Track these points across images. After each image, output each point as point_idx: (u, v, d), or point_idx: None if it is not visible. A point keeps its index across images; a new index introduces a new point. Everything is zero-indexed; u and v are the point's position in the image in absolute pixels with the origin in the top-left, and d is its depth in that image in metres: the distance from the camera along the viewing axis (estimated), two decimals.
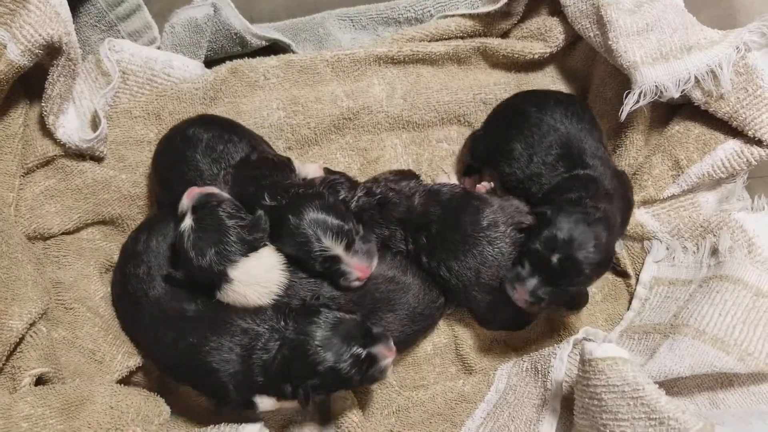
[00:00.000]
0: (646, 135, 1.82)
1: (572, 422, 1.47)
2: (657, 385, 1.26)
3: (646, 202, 1.79)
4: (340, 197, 1.62)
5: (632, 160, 1.81)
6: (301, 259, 1.52)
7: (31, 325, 1.43)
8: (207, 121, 1.73)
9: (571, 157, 1.61)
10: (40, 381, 1.43)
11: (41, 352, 1.43)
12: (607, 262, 1.51)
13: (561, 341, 1.68)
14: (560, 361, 1.60)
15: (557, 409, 1.56)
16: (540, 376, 1.61)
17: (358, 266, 1.51)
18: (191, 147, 1.64)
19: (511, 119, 1.71)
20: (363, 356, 1.38)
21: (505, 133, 1.69)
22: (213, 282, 1.46)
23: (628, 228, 1.77)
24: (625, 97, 1.67)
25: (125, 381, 1.56)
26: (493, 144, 1.73)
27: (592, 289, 1.79)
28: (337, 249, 1.48)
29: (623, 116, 1.67)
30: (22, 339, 1.42)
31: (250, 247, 1.46)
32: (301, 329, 1.39)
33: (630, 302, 1.78)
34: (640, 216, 1.79)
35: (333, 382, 1.38)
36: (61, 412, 1.32)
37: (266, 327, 1.43)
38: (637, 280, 1.78)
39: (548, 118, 1.64)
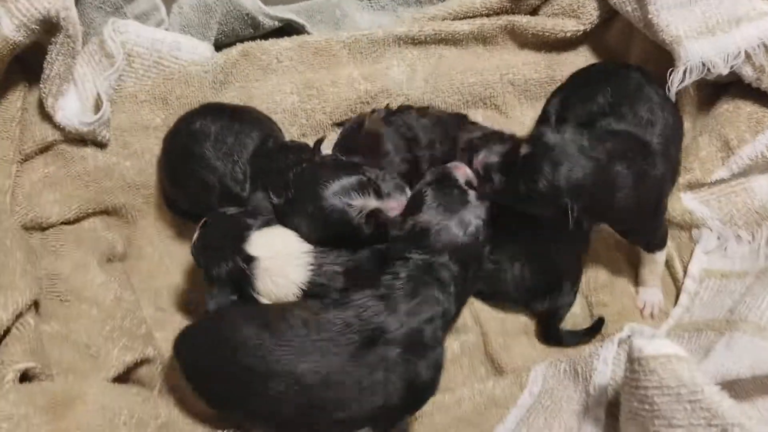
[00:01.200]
0: (693, 116, 1.70)
1: (617, 430, 1.33)
2: (719, 387, 1.12)
3: (693, 187, 1.67)
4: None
5: None
6: (344, 234, 1.45)
7: (18, 316, 1.33)
8: (213, 110, 1.65)
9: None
10: (25, 378, 1.33)
11: (27, 345, 1.33)
12: (597, 205, 1.38)
13: (603, 339, 1.56)
14: (604, 363, 1.45)
15: (601, 417, 1.41)
16: (581, 379, 1.48)
17: (397, 206, 1.44)
18: (199, 142, 1.56)
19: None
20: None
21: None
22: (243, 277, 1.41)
23: (674, 215, 1.65)
24: (669, 75, 1.55)
25: (123, 378, 1.46)
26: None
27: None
28: (371, 202, 1.43)
29: (672, 95, 1.56)
30: (7, 331, 1.32)
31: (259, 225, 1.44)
32: None
33: (677, 297, 1.65)
34: (688, 202, 1.66)
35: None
36: (46, 412, 1.21)
37: None
38: (685, 272, 1.65)
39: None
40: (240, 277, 1.42)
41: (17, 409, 1.19)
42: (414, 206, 1.42)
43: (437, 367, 1.34)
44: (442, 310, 1.35)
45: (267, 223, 1.48)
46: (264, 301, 1.43)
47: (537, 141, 1.37)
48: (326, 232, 1.46)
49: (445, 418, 1.54)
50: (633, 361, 1.22)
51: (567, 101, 1.64)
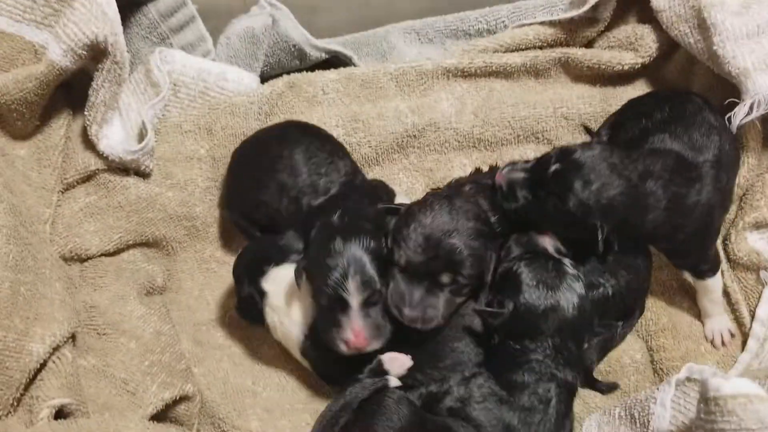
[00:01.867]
0: (758, 152, 1.61)
1: None
2: None
3: (760, 226, 1.59)
4: None
5: (743, 180, 1.61)
6: (316, 289, 1.37)
7: (55, 349, 1.29)
8: (304, 125, 1.65)
9: None
10: (60, 414, 1.28)
11: (64, 380, 1.28)
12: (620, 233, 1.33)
13: (658, 382, 1.47)
14: (662, 407, 1.35)
15: None
16: (638, 425, 1.38)
17: (357, 329, 1.31)
18: (290, 147, 1.55)
19: None
20: None
21: None
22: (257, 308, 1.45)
23: (740, 256, 1.57)
24: (735, 109, 1.49)
25: (161, 415, 1.40)
26: None
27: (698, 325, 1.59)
28: (354, 298, 1.31)
29: (734, 128, 1.50)
30: (43, 365, 1.28)
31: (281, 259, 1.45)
32: None
33: (744, 344, 1.56)
34: (754, 242, 1.59)
35: None
36: None
37: None
38: (753, 317, 1.56)
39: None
40: (255, 305, 1.47)
41: None
42: (509, 287, 1.33)
43: None
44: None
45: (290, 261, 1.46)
46: (272, 334, 1.49)
47: (566, 157, 1.32)
48: (312, 260, 1.39)
49: None
50: (708, 402, 1.13)
51: (621, 121, 1.61)
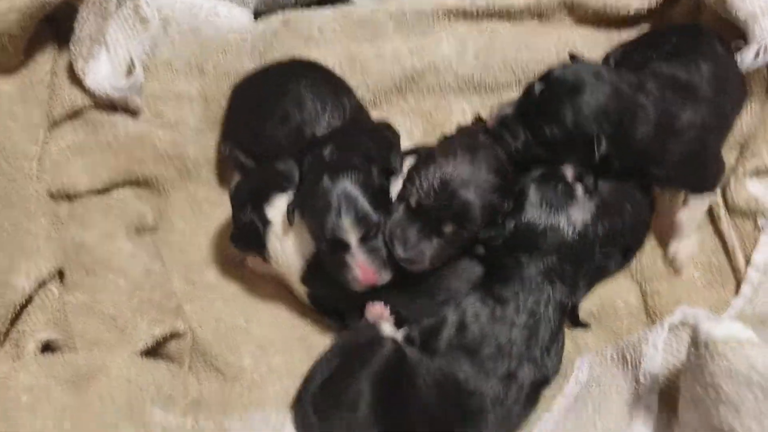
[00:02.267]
0: (762, 99, 1.61)
1: (672, 420, 1.32)
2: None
3: (760, 173, 1.60)
4: None
5: (745, 128, 1.61)
6: (312, 232, 1.38)
7: (41, 285, 1.32)
8: (310, 62, 1.66)
9: None
10: (47, 349, 1.32)
11: (50, 315, 1.32)
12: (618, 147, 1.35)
13: (651, 324, 1.53)
14: (654, 348, 1.41)
15: (653, 406, 1.38)
16: (630, 366, 1.44)
17: (363, 265, 1.33)
18: (294, 80, 1.55)
19: None
20: None
21: None
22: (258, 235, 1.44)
23: (738, 202, 1.59)
24: (741, 53, 1.49)
25: (151, 352, 1.44)
26: None
27: (692, 271, 1.60)
28: (352, 236, 1.31)
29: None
30: (29, 300, 1.31)
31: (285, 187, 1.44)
32: None
33: (738, 288, 1.59)
34: (753, 188, 1.59)
35: None
36: (68, 384, 1.20)
37: None
38: (748, 262, 1.58)
39: None
40: (256, 233, 1.45)
41: (38, 380, 1.20)
42: (515, 204, 1.37)
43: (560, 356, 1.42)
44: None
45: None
46: (272, 263, 1.48)
47: (549, 77, 1.35)
48: (305, 206, 1.41)
49: None
50: (699, 345, 1.19)
51: (630, 49, 1.61)
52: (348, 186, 1.31)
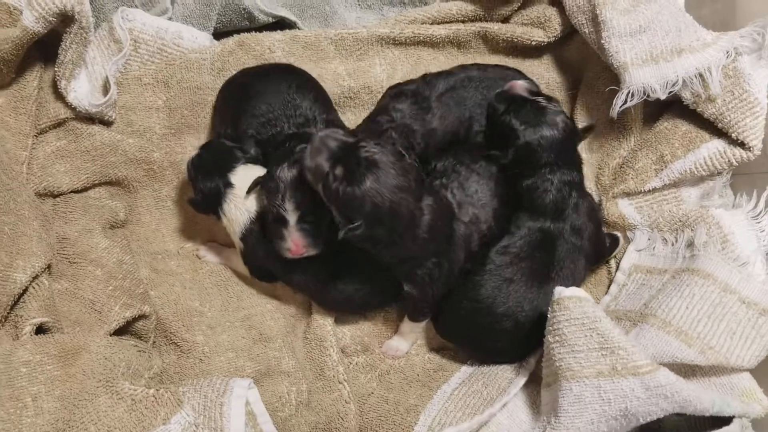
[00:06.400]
0: (634, 133, 1.84)
1: (538, 391, 1.58)
2: (614, 322, 1.42)
3: (630, 194, 1.82)
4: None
5: (620, 159, 1.85)
6: (264, 205, 1.64)
7: (35, 278, 1.51)
8: (288, 67, 1.85)
9: None
10: (40, 330, 1.52)
11: (42, 302, 1.51)
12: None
13: None
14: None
15: (526, 380, 1.66)
16: None
17: (295, 240, 1.59)
18: (271, 82, 1.75)
19: None
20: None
21: None
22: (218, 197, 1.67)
23: (610, 218, 1.82)
24: (615, 97, 1.70)
25: (123, 330, 1.63)
26: None
27: None
28: (291, 215, 1.57)
29: (614, 114, 1.72)
30: (25, 290, 1.51)
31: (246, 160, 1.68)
32: None
33: (608, 288, 1.82)
34: (623, 207, 1.82)
35: None
36: (58, 359, 1.41)
37: None
38: (617, 267, 1.81)
39: None
40: (216, 196, 1.68)
41: (33, 356, 1.40)
42: (507, 136, 1.61)
43: None
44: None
45: (254, 162, 1.71)
46: (224, 219, 1.71)
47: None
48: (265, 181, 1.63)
49: (399, 378, 1.78)
50: (553, 304, 1.47)
51: None
52: (296, 175, 1.55)
